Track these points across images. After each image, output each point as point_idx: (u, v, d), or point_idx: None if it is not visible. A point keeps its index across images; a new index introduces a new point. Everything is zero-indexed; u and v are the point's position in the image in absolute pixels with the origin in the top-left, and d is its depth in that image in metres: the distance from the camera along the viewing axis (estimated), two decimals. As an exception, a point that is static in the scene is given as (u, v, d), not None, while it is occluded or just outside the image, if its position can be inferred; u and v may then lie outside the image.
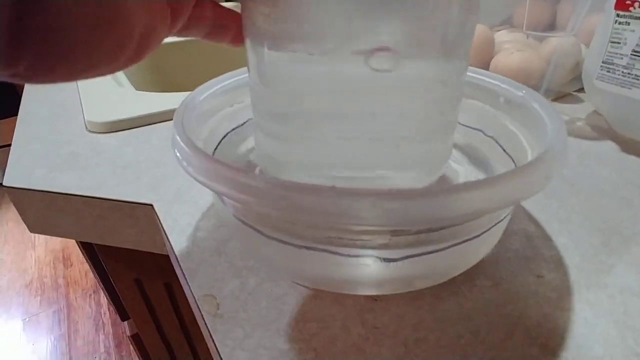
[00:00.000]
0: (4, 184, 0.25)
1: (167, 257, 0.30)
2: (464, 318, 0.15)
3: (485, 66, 0.39)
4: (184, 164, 0.14)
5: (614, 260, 0.18)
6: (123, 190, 0.24)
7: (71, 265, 1.59)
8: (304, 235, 0.14)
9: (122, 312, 0.40)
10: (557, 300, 0.16)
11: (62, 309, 1.40)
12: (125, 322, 0.43)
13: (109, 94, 0.39)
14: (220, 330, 0.15)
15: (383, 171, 0.17)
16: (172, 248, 0.19)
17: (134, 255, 0.32)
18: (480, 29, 0.40)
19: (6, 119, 1.89)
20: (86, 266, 1.59)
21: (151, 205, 0.22)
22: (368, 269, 0.14)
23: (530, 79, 0.35)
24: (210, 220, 0.21)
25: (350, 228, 0.13)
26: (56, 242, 1.71)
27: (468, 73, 0.21)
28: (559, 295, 0.16)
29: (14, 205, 0.26)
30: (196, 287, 0.17)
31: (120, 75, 0.47)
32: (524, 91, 0.19)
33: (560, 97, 0.39)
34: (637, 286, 0.16)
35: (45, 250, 1.68)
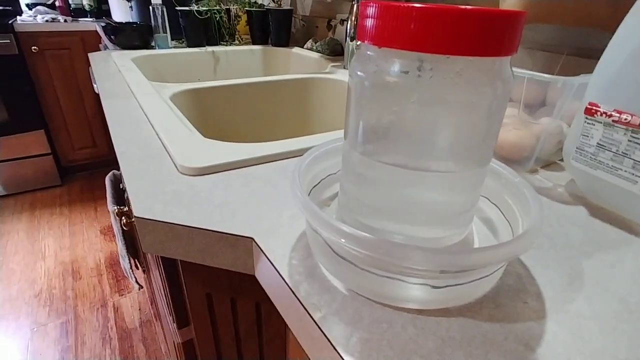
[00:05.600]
0: (135, 215, 0.34)
1: (238, 275, 0.39)
2: (477, 325, 0.24)
3: (488, 137, 0.49)
4: (313, 225, 0.23)
5: (575, 295, 0.27)
6: (225, 224, 0.33)
7: (80, 278, 1.64)
8: (384, 268, 0.23)
9: (180, 319, 0.48)
10: (536, 319, 0.25)
11: (70, 321, 1.44)
12: (176, 331, 0.51)
13: (186, 140, 0.48)
14: (325, 326, 0.23)
15: (434, 231, 0.26)
16: (277, 270, 0.28)
17: (210, 272, 0.41)
18: (485, 107, 0.50)
19: (31, 132, 1.99)
20: (95, 280, 1.64)
21: (252, 238, 0.31)
22: (421, 291, 0.23)
23: (523, 152, 0.45)
24: (299, 252, 0.30)
25: (416, 267, 0.22)
26: (65, 254, 1.76)
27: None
28: (537, 316, 0.25)
29: (138, 230, 0.35)
30: (301, 297, 0.25)
31: (186, 122, 0.57)
32: (517, 179, 0.28)
33: (547, 165, 0.49)
34: (588, 313, 0.25)
35: (55, 262, 1.73)
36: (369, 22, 0.21)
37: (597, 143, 0.37)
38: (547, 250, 0.32)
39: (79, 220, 2.00)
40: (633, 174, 0.34)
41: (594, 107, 0.36)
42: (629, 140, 0.34)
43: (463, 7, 0.19)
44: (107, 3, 2.08)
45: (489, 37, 0.20)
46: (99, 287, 1.60)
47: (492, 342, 0.23)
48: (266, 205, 0.36)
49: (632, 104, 0.34)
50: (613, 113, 0.35)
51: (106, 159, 2.42)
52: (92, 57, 1.05)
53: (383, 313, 0.24)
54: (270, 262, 0.29)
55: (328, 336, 0.23)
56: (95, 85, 0.92)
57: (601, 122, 0.36)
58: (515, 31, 0.21)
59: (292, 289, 0.26)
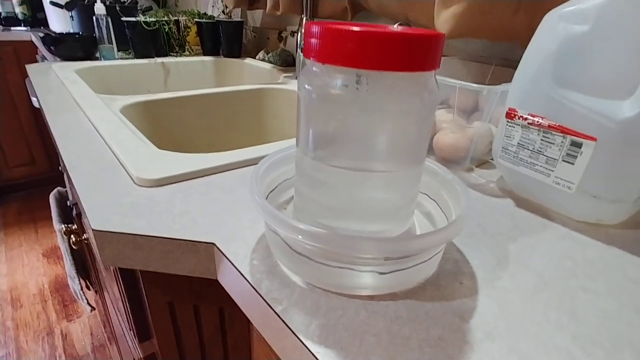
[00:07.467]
0: (93, 228, 0.34)
1: (200, 281, 0.40)
2: (421, 305, 0.27)
3: (430, 140, 0.54)
4: (272, 226, 0.25)
5: (502, 273, 0.31)
6: (186, 232, 0.34)
7: (21, 307, 1.52)
8: (336, 259, 0.25)
9: (142, 333, 0.48)
10: (469, 295, 0.29)
11: (10, 354, 1.33)
12: (137, 345, 0.50)
13: (141, 152, 0.49)
14: (286, 317, 0.25)
15: (380, 225, 0.29)
16: (239, 271, 0.30)
17: (171, 280, 0.41)
18: (425, 113, 0.55)
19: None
20: (38, 307, 1.53)
21: (213, 243, 0.33)
22: (370, 278, 0.26)
23: (459, 152, 0.51)
24: (260, 253, 0.32)
25: (362, 256, 0.25)
26: (2, 282, 1.62)
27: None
28: (471, 293, 0.29)
29: (97, 243, 0.35)
30: (263, 293, 0.27)
31: (139, 134, 0.57)
32: (450, 176, 0.32)
33: (481, 163, 0.55)
34: (511, 286, 0.30)
35: (-9, 291, 1.58)
36: (314, 42, 0.24)
37: (518, 143, 0.42)
38: (480, 237, 0.36)
39: (17, 244, 1.85)
40: (546, 168, 0.40)
41: (513, 112, 0.41)
42: (541, 140, 0.40)
43: (392, 30, 0.23)
44: (43, 11, 1.97)
45: (414, 55, 0.23)
46: (44, 314, 1.49)
47: (433, 318, 0.26)
48: (226, 211, 0.38)
49: (543, 109, 0.39)
50: (528, 116, 0.40)
51: (47, 177, 2.27)
52: (30, 68, 0.99)
53: (338, 302, 0.27)
54: (232, 264, 0.30)
55: (289, 325, 0.25)
56: (34, 99, 0.87)
57: (519, 125, 0.41)
58: (436, 50, 0.24)
59: (254, 287, 0.28)
